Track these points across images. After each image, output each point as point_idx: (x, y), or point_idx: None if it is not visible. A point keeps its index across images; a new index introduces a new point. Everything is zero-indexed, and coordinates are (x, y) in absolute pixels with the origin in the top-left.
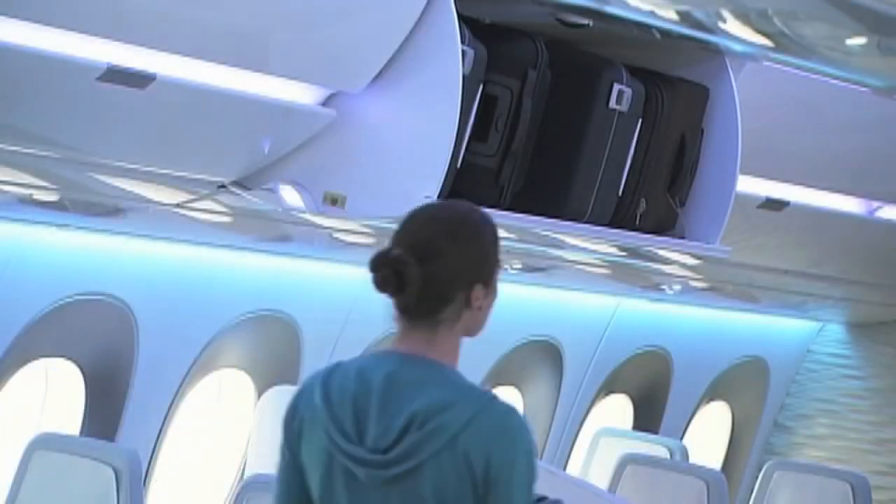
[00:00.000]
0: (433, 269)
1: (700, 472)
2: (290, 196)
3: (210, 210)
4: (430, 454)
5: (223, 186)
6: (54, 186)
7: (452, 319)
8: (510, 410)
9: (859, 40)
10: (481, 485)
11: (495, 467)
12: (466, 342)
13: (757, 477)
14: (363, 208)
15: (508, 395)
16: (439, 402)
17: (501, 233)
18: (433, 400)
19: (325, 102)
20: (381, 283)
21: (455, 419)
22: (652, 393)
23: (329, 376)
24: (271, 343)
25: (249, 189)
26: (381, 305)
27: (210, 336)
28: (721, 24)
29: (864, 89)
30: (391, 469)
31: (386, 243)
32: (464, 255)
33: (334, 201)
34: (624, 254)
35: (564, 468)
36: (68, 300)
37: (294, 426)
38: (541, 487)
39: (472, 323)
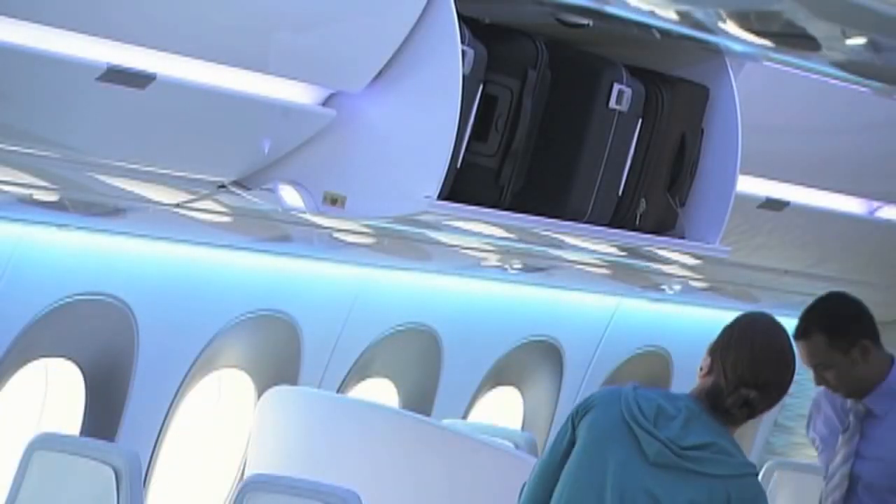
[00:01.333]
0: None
1: None
2: (290, 196)
3: (210, 210)
4: (710, 472)
5: (223, 186)
6: (54, 186)
7: None
8: (762, 490)
9: (859, 40)
10: None
11: None
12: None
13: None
14: (363, 208)
15: (508, 395)
16: (729, 450)
17: (501, 233)
18: (726, 446)
19: (325, 102)
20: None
21: (734, 467)
22: None
23: (634, 391)
24: (271, 343)
25: (249, 189)
26: (381, 305)
27: (210, 336)
28: (721, 24)
29: (864, 89)
30: (683, 459)
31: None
32: None
33: (334, 201)
34: (624, 254)
35: None
36: (68, 300)
37: (581, 408)
38: None
39: None
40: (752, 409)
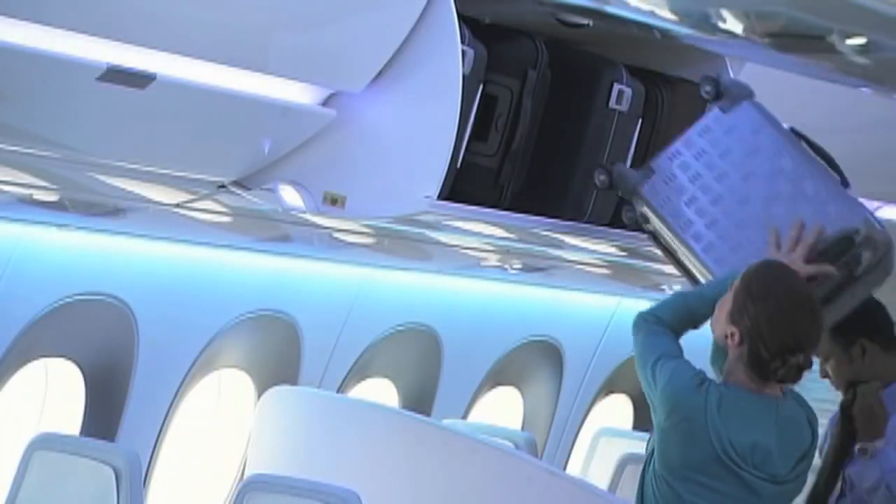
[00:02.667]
0: None
1: None
2: (290, 196)
3: (210, 210)
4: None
5: (223, 186)
6: (54, 186)
7: None
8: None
9: (859, 40)
10: None
11: None
12: (466, 343)
13: None
14: (363, 208)
15: (508, 395)
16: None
17: (501, 233)
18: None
19: (325, 102)
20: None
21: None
22: None
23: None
24: (271, 343)
25: (249, 189)
26: (381, 305)
27: (210, 336)
28: (721, 24)
29: (864, 89)
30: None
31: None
32: None
33: (334, 201)
34: (624, 254)
35: (564, 468)
36: (68, 300)
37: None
38: (541, 487)
39: None
40: (803, 372)
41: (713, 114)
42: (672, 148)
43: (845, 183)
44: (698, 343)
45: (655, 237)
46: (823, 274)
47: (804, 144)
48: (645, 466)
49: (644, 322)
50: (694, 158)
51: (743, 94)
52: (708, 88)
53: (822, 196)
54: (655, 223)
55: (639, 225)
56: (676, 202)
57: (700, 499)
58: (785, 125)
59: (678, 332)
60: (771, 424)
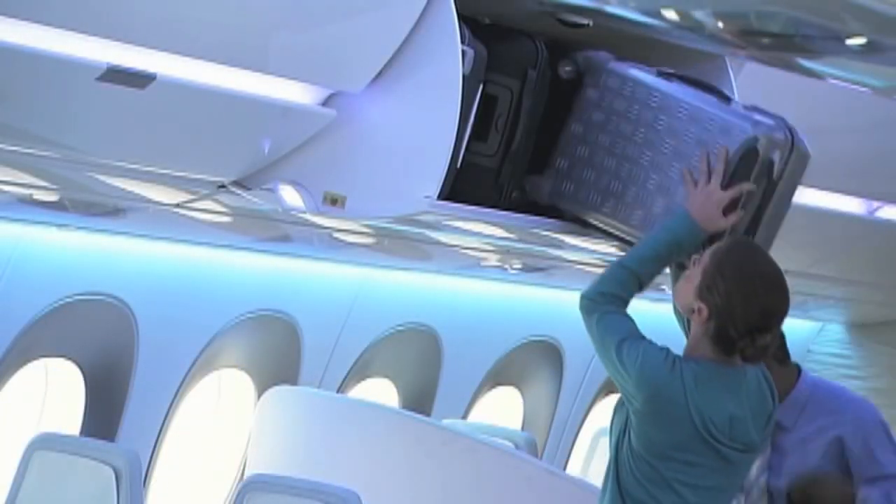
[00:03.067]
0: None
1: None
2: (290, 196)
3: (210, 210)
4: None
5: (223, 186)
6: (54, 186)
7: None
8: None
9: (859, 40)
10: None
11: None
12: (466, 343)
13: None
14: (363, 208)
15: (508, 395)
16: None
17: (501, 233)
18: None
19: (325, 102)
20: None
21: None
22: None
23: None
24: (271, 343)
25: (249, 189)
26: (381, 305)
27: (210, 336)
28: (721, 24)
29: (864, 89)
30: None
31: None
32: None
33: (334, 201)
34: (624, 254)
35: (564, 468)
36: (68, 300)
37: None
38: (541, 487)
39: None
40: (768, 352)
41: (588, 91)
42: (572, 130)
43: (726, 99)
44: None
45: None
46: (745, 193)
47: (675, 80)
48: (617, 445)
49: (592, 303)
50: (595, 134)
51: (601, 61)
52: (567, 69)
53: (706, 121)
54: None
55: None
56: (591, 177)
57: (681, 475)
58: (653, 69)
59: (627, 302)
60: (742, 395)
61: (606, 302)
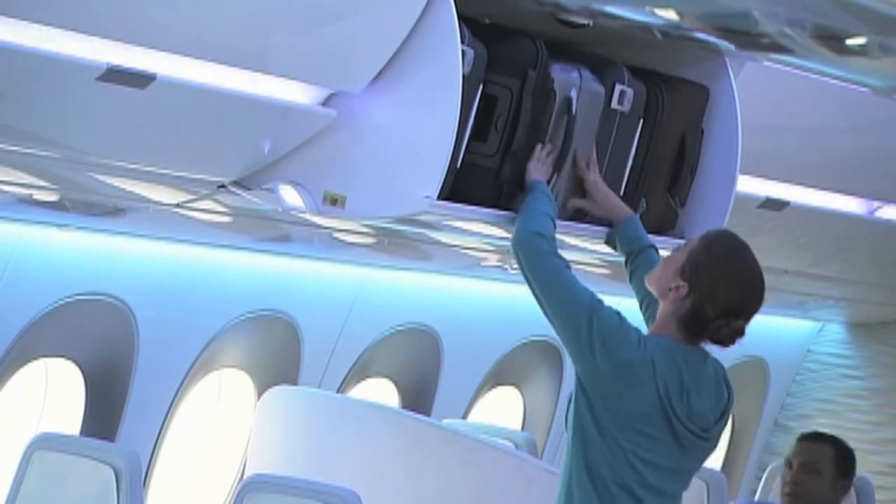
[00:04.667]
0: None
1: (700, 472)
2: (290, 196)
3: (210, 210)
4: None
5: (223, 186)
6: (54, 186)
7: None
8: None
9: (859, 40)
10: None
11: None
12: (466, 343)
13: (759, 477)
14: (363, 208)
15: (508, 395)
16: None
17: (501, 233)
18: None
19: (325, 102)
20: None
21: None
22: None
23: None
24: (271, 343)
25: (249, 189)
26: (381, 305)
27: (210, 336)
28: (721, 24)
29: (864, 89)
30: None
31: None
32: None
33: (334, 201)
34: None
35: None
36: (68, 300)
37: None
38: (541, 487)
39: None
40: (739, 338)
41: None
42: None
43: None
44: None
45: None
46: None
47: None
48: (576, 414)
49: (547, 244)
50: None
51: None
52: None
53: None
54: None
55: None
56: None
57: (638, 447)
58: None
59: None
60: (701, 379)
61: (557, 255)
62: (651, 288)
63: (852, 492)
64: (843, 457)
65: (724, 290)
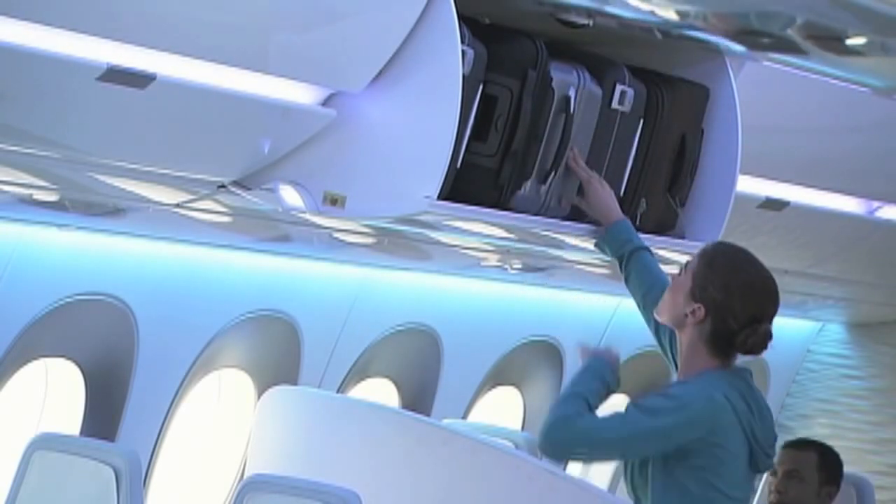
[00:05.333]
0: None
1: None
2: (290, 196)
3: (210, 210)
4: None
5: (223, 186)
6: (54, 186)
7: None
8: None
9: (859, 40)
10: None
11: None
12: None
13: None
14: (363, 208)
15: (508, 395)
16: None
17: (501, 233)
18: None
19: (325, 102)
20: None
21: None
22: None
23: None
24: (271, 343)
25: (249, 189)
26: (381, 305)
27: (210, 336)
28: (721, 24)
29: (864, 89)
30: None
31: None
32: None
33: (334, 201)
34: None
35: (564, 468)
36: (68, 300)
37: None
38: (541, 487)
39: None
40: (769, 342)
41: None
42: None
43: None
44: None
45: None
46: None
47: None
48: (665, 471)
49: (565, 413)
50: None
51: None
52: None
53: None
54: None
55: None
56: None
57: (738, 490)
58: None
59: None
60: (759, 398)
61: (577, 415)
62: (664, 320)
63: (853, 492)
64: (827, 463)
65: (739, 299)
